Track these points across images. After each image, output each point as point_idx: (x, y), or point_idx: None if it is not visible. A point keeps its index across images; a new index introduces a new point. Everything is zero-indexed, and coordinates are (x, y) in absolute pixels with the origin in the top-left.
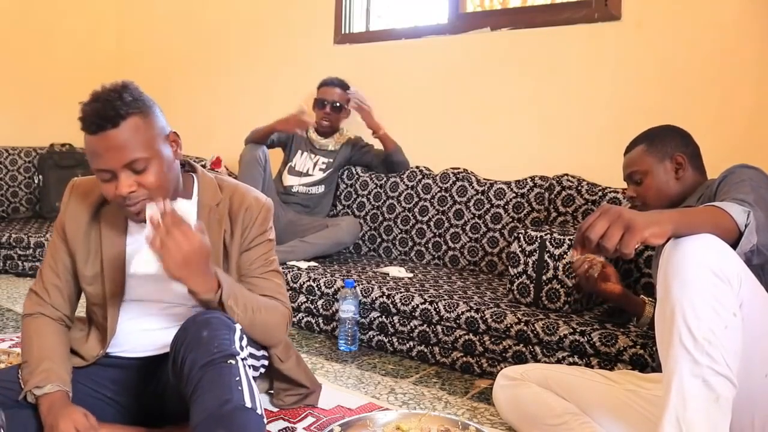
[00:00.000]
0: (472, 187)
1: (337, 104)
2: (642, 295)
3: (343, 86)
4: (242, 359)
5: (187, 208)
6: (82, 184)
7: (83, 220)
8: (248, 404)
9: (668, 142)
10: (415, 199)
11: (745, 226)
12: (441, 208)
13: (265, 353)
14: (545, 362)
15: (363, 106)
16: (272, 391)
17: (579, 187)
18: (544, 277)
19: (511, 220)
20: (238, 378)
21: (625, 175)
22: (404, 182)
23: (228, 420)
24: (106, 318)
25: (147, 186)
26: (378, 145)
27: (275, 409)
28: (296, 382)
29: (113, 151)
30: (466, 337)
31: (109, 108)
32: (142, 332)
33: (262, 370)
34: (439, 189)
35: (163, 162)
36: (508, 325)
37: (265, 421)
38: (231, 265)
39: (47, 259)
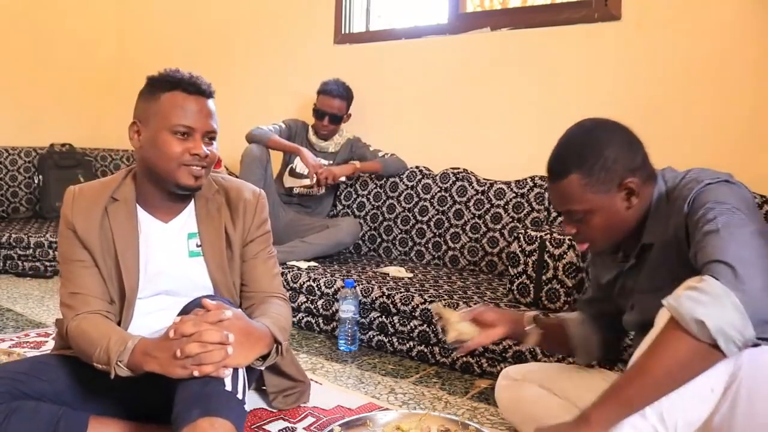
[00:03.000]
0: (472, 187)
1: (336, 116)
2: (527, 320)
3: (343, 95)
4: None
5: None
6: (84, 190)
7: (94, 222)
8: (228, 388)
9: (611, 162)
10: (415, 199)
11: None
12: (441, 208)
13: None
14: (545, 362)
15: (330, 179)
16: (265, 388)
17: None
18: (544, 277)
19: (511, 220)
20: None
21: (558, 208)
22: (404, 182)
23: (205, 401)
24: (118, 318)
25: (211, 156)
26: (378, 144)
27: (275, 410)
28: (291, 377)
29: (204, 114)
30: None
31: (208, 83)
32: (152, 333)
33: (262, 367)
34: (439, 189)
35: (217, 146)
36: None
37: (247, 408)
38: (234, 253)
39: (68, 268)
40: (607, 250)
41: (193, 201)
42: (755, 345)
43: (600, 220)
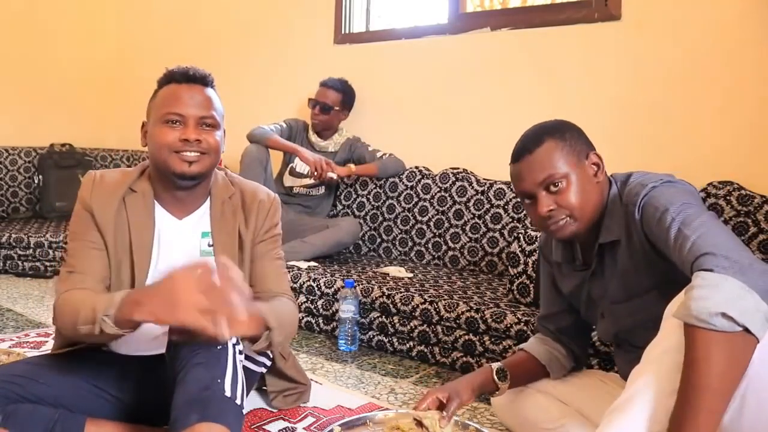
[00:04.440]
0: (472, 187)
1: (327, 106)
2: (495, 375)
3: (338, 88)
4: (234, 344)
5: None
6: (105, 177)
7: (111, 209)
8: (228, 393)
9: (577, 137)
10: (415, 199)
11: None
12: (441, 208)
13: (267, 352)
14: None
15: (333, 178)
16: (266, 388)
17: None
18: None
19: (511, 220)
20: (225, 365)
21: (534, 183)
22: (404, 182)
23: (204, 406)
24: None
25: (208, 143)
26: (377, 144)
27: (275, 410)
28: (293, 379)
29: (197, 102)
30: (466, 337)
31: (203, 73)
32: (155, 333)
33: (263, 369)
34: (438, 189)
35: (220, 135)
36: (508, 325)
37: (244, 412)
38: (245, 254)
39: (75, 245)
40: (580, 235)
41: (209, 200)
42: None
43: (577, 186)
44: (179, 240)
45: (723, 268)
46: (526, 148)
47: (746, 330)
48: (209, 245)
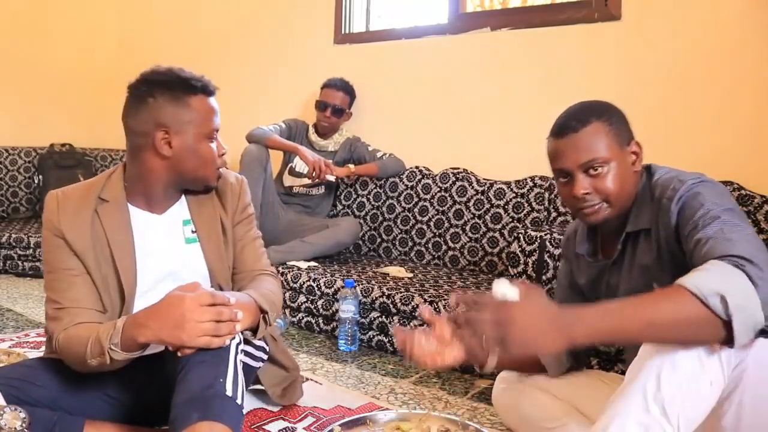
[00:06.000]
0: (472, 187)
1: (339, 108)
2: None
3: (346, 89)
4: (236, 344)
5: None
6: (68, 194)
7: (84, 225)
8: (229, 393)
9: (622, 123)
10: (415, 199)
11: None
12: (441, 208)
13: (264, 345)
14: None
15: (331, 180)
16: (263, 388)
17: None
18: (544, 277)
19: (511, 220)
20: (225, 364)
21: (575, 163)
22: (404, 182)
23: (205, 405)
24: (118, 317)
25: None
26: (377, 144)
27: (275, 409)
28: (282, 364)
29: (218, 114)
30: None
31: (209, 81)
32: None
33: (260, 363)
34: (438, 189)
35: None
36: None
37: (244, 412)
38: (228, 238)
39: (56, 277)
40: (608, 223)
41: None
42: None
43: (616, 173)
44: (162, 233)
45: (741, 266)
46: (570, 125)
47: (729, 325)
48: (192, 231)
